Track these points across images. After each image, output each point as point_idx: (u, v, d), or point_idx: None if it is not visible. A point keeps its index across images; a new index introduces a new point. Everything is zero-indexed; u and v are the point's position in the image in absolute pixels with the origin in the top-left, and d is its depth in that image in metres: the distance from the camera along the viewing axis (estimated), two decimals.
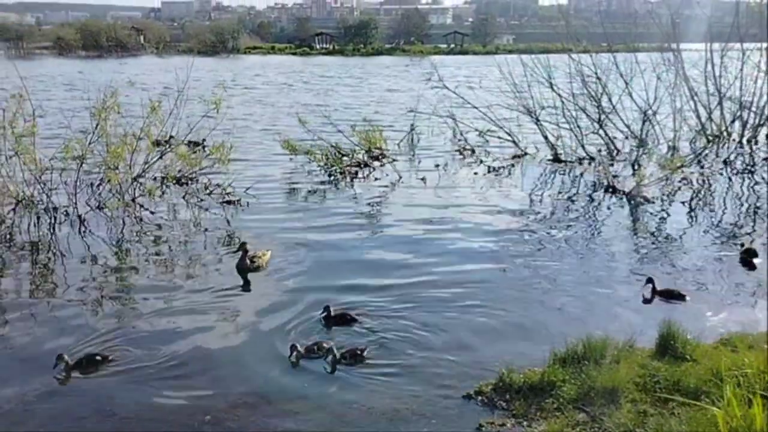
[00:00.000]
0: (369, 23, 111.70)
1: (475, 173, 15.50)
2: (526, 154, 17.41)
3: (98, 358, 6.32)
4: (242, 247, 8.67)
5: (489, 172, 15.66)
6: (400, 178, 14.70)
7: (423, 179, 14.65)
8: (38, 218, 10.90)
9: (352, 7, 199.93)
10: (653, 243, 10.22)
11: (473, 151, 17.75)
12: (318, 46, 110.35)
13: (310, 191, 13.67)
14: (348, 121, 20.00)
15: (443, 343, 6.78)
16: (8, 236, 10.28)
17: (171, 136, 14.08)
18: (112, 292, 8.22)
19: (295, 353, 6.33)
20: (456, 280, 8.52)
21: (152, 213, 11.65)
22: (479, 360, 6.42)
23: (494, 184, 14.44)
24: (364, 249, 9.89)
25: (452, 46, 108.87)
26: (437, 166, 16.14)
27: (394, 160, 16.39)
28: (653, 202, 12.53)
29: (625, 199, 12.83)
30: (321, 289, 8.21)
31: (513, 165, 16.48)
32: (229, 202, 12.36)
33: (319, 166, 15.45)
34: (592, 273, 8.80)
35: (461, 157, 17.45)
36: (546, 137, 17.18)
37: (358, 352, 6.35)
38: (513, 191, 13.89)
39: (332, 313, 7.19)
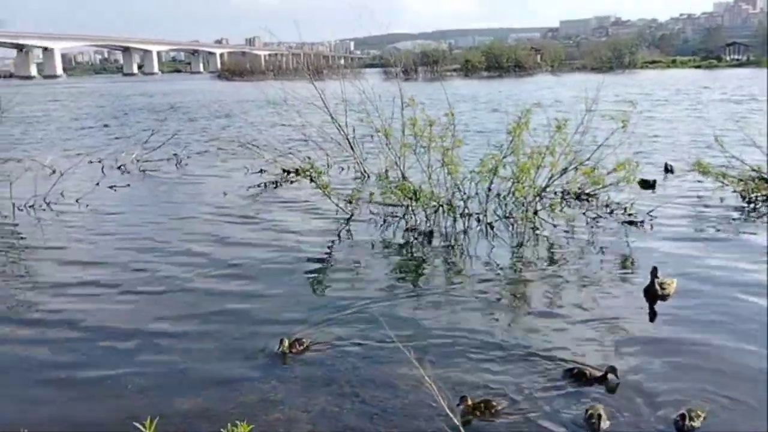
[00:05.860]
0: None
1: None
2: None
3: None
4: (654, 272, 8.20)
5: None
6: None
7: None
8: (454, 221, 12.23)
9: None
10: None
11: None
12: (728, 58, 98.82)
13: (721, 220, 12.14)
14: None
15: None
16: (429, 234, 11.78)
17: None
18: (503, 299, 8.58)
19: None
20: None
21: (554, 226, 11.90)
22: None
23: None
24: None
25: None
26: None
27: None
28: None
29: None
30: (723, 333, 7.25)
31: None
32: (630, 223, 11.85)
33: (734, 191, 13.64)
34: None
35: None
36: None
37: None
38: None
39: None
